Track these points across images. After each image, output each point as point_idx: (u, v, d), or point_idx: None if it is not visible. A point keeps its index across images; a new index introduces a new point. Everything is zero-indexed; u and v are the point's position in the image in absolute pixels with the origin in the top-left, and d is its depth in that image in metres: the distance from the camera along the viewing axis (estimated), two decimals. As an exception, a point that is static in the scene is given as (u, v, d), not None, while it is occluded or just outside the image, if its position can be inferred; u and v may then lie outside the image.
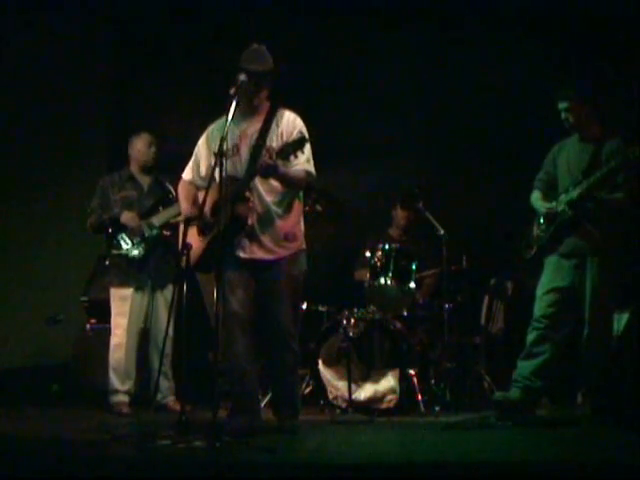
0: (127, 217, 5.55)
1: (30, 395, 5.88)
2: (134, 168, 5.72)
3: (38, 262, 6.49)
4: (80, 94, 6.68)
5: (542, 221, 5.07)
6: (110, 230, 5.58)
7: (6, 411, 5.36)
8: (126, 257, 5.53)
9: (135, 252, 5.52)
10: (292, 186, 4.45)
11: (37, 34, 6.49)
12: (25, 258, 6.47)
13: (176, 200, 5.15)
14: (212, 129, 4.58)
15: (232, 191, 4.27)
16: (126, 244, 5.53)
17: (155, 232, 5.53)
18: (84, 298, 6.18)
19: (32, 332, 6.32)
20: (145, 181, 5.72)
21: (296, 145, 4.18)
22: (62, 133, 6.62)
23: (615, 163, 4.76)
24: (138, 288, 5.55)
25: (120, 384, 5.50)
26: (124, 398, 5.50)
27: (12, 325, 6.31)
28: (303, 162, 4.34)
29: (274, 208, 4.43)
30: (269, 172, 4.25)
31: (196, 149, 4.62)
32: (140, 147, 5.68)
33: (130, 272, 5.55)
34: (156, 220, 5.55)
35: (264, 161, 4.23)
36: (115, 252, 5.56)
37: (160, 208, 5.59)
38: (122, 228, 5.55)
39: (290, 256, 4.47)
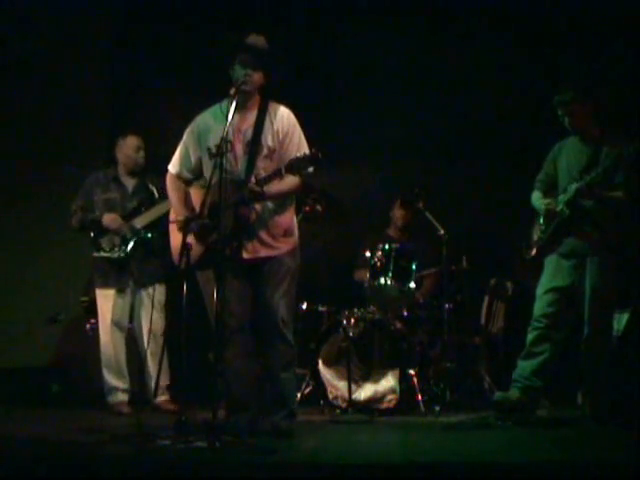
0: (109, 219, 5.55)
1: (30, 395, 5.88)
2: (121, 170, 5.71)
3: (38, 262, 6.48)
4: (79, 94, 6.67)
5: (542, 221, 5.07)
6: (92, 232, 5.59)
7: (6, 411, 5.36)
8: (107, 259, 5.55)
9: (116, 255, 5.54)
10: (287, 197, 4.48)
11: (35, 34, 6.48)
12: (25, 258, 6.47)
13: (165, 197, 5.15)
14: (200, 122, 4.54)
15: (234, 196, 4.26)
16: (107, 246, 5.55)
17: (136, 234, 5.53)
18: (84, 298, 6.18)
19: (32, 332, 6.32)
20: (130, 183, 5.70)
21: (306, 162, 4.16)
22: (62, 133, 6.61)
23: (610, 161, 4.78)
24: (119, 290, 5.59)
25: (116, 381, 5.52)
26: (123, 397, 5.52)
27: (12, 325, 6.31)
28: None
29: (273, 208, 4.43)
30: (259, 199, 4.29)
31: (183, 141, 4.58)
32: (128, 152, 5.67)
33: (111, 274, 5.59)
34: (138, 222, 5.56)
35: (252, 188, 4.22)
36: (96, 254, 5.59)
37: (143, 210, 5.59)
38: (104, 230, 5.56)
39: (289, 250, 4.49)
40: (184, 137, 4.59)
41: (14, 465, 3.61)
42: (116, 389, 5.52)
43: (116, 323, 5.59)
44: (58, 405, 5.84)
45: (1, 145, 6.43)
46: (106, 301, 5.61)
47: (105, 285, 5.61)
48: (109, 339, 5.58)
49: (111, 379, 5.53)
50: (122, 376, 5.55)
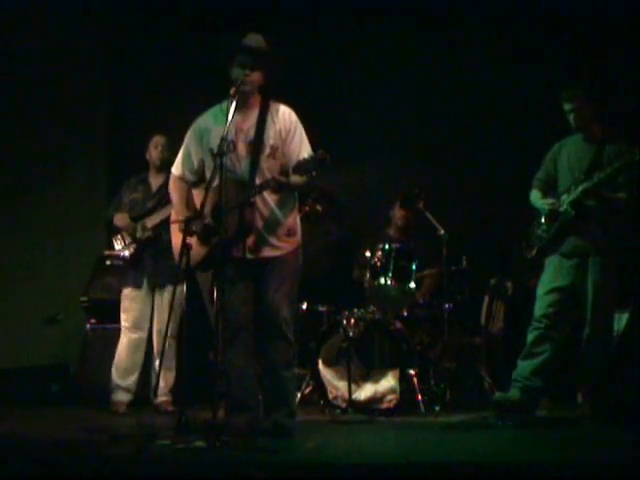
0: (118, 218, 5.68)
1: (30, 395, 5.88)
2: (151, 171, 5.81)
3: (38, 262, 6.49)
4: (79, 94, 6.68)
5: (543, 220, 5.07)
6: (109, 231, 5.71)
7: (6, 411, 5.36)
8: (120, 258, 5.64)
9: (126, 252, 5.60)
10: (298, 190, 4.50)
11: (33, 34, 6.48)
12: (25, 258, 6.47)
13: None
14: (201, 122, 4.54)
15: (239, 198, 4.26)
16: (118, 245, 5.63)
17: (147, 233, 5.56)
18: (84, 298, 6.18)
19: (32, 332, 6.32)
20: (156, 182, 5.76)
21: (314, 164, 4.15)
22: (61, 134, 6.61)
23: (618, 164, 4.77)
24: (134, 288, 5.62)
25: (119, 380, 5.54)
26: (123, 397, 5.53)
27: (12, 325, 6.31)
28: None
29: (277, 207, 4.43)
30: (281, 189, 4.30)
31: (185, 143, 4.58)
32: (150, 150, 5.79)
33: (127, 272, 5.65)
34: (149, 221, 5.60)
35: (277, 179, 4.22)
36: (107, 252, 5.72)
37: (159, 208, 5.62)
38: (116, 229, 5.67)
39: (292, 251, 4.49)
40: (186, 139, 4.59)
41: (14, 465, 3.61)
42: (118, 387, 5.54)
43: (133, 324, 5.61)
44: (58, 405, 5.84)
45: (1, 146, 6.43)
46: (124, 301, 5.65)
47: (125, 284, 5.67)
48: (122, 340, 5.61)
49: (115, 377, 5.56)
50: (126, 377, 5.56)
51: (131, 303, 5.63)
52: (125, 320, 5.64)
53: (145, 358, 5.64)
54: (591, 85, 5.16)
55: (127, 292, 5.65)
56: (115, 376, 5.55)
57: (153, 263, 5.59)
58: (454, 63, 6.53)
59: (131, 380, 5.57)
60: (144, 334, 5.64)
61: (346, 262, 6.43)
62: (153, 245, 5.58)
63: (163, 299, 5.60)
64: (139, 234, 5.59)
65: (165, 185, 5.69)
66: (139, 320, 5.62)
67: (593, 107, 4.97)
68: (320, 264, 6.06)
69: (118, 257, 5.64)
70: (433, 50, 6.56)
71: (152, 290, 5.64)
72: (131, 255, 5.59)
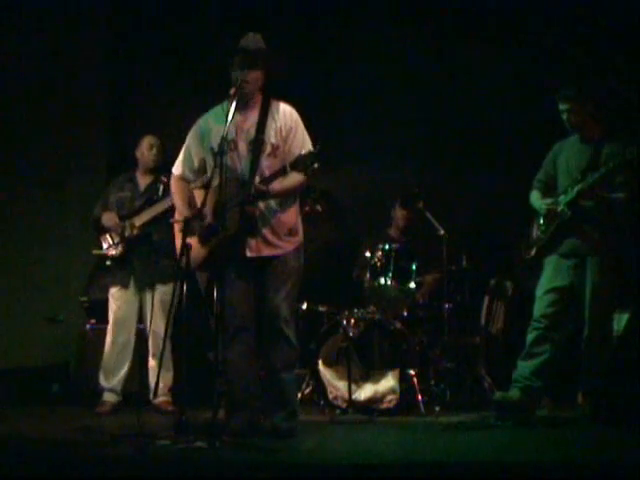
0: (106, 217, 5.65)
1: (30, 395, 5.88)
2: (139, 170, 5.79)
3: (38, 262, 6.48)
4: (79, 94, 6.67)
5: (542, 221, 5.08)
6: (96, 231, 5.69)
7: (6, 411, 5.36)
8: (108, 257, 5.62)
9: (114, 252, 5.60)
10: (292, 194, 4.47)
11: (34, 35, 6.48)
12: (25, 258, 6.47)
13: (167, 196, 5.22)
14: (202, 123, 4.55)
15: (240, 197, 4.26)
16: (106, 244, 5.63)
17: (135, 231, 5.57)
18: (84, 298, 6.19)
19: (32, 332, 6.32)
20: (144, 182, 5.75)
21: (312, 159, 4.15)
22: (62, 134, 6.61)
23: (613, 164, 4.77)
24: (121, 287, 5.62)
25: (104, 381, 5.55)
26: (108, 397, 5.52)
27: (12, 325, 6.31)
28: None
29: (276, 206, 4.43)
30: (264, 198, 4.28)
31: (186, 143, 4.59)
32: (142, 150, 5.76)
33: (116, 272, 5.64)
34: (137, 220, 5.60)
35: (258, 187, 4.22)
36: (96, 252, 5.67)
37: (146, 208, 5.63)
38: (104, 228, 5.65)
39: (293, 250, 4.48)
40: (187, 139, 4.59)
41: (14, 465, 3.61)
42: (104, 388, 5.55)
43: (118, 325, 5.60)
44: (58, 405, 5.84)
45: (0, 147, 6.43)
46: (112, 300, 5.65)
47: (112, 283, 5.66)
48: (109, 339, 5.61)
49: (101, 378, 5.56)
50: (110, 378, 5.55)
51: (117, 303, 5.62)
52: (110, 320, 5.62)
53: (142, 359, 5.63)
54: (586, 85, 5.15)
55: (113, 292, 5.64)
56: (101, 377, 5.56)
57: (141, 262, 5.58)
58: (454, 63, 6.53)
59: (116, 381, 5.55)
60: (130, 335, 5.62)
61: (346, 262, 6.43)
62: (141, 244, 5.57)
63: (154, 299, 5.57)
64: (127, 232, 5.58)
65: (154, 184, 5.71)
66: (125, 320, 5.61)
67: (588, 107, 4.97)
68: (320, 264, 6.06)
69: (106, 256, 5.62)
70: (433, 50, 6.55)
71: (139, 290, 5.63)
72: (119, 254, 5.58)
